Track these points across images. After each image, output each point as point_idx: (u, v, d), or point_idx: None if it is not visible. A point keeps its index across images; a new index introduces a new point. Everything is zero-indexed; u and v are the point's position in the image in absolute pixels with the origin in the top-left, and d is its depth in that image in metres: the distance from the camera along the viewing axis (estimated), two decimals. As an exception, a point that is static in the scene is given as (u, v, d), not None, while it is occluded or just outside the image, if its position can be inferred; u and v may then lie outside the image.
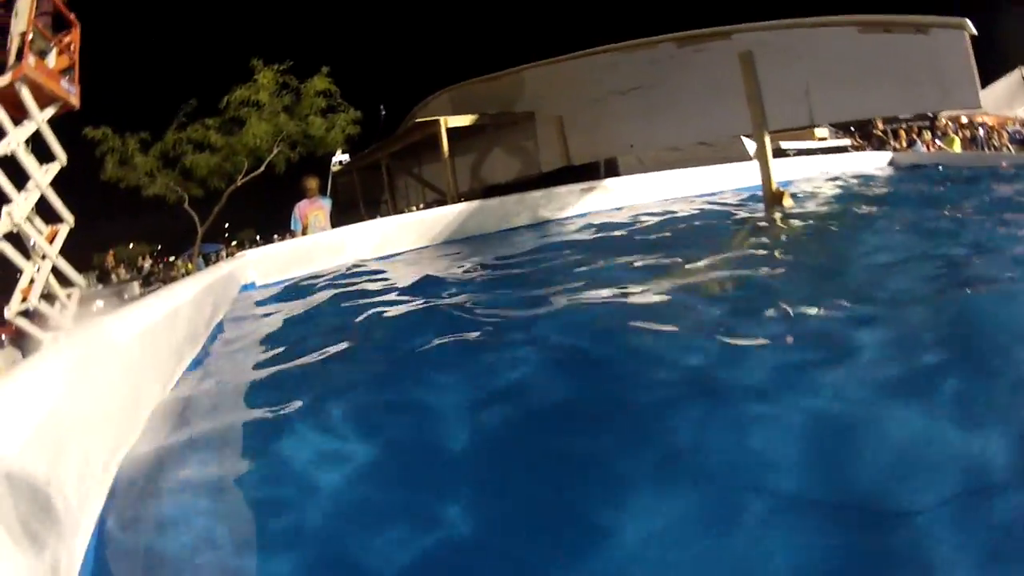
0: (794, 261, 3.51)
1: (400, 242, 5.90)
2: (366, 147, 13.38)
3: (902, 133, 16.66)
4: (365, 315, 2.92)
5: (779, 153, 8.76)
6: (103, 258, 39.76)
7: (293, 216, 8.23)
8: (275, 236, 61.35)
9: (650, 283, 3.02)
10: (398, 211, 11.71)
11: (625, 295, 2.80)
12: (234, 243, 49.41)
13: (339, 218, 12.36)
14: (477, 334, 2.32)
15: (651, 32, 6.57)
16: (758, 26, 5.86)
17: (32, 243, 8.52)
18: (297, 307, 3.70)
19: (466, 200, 7.98)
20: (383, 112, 13.91)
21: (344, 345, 2.41)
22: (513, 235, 5.93)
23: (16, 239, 8.36)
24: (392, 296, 3.62)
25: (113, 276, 29.71)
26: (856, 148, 15.66)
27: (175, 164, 12.49)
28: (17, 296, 8.27)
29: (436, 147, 9.29)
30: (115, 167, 11.93)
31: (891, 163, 8.63)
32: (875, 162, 8.68)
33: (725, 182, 7.28)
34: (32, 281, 8.58)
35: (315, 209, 8.14)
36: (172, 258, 51.17)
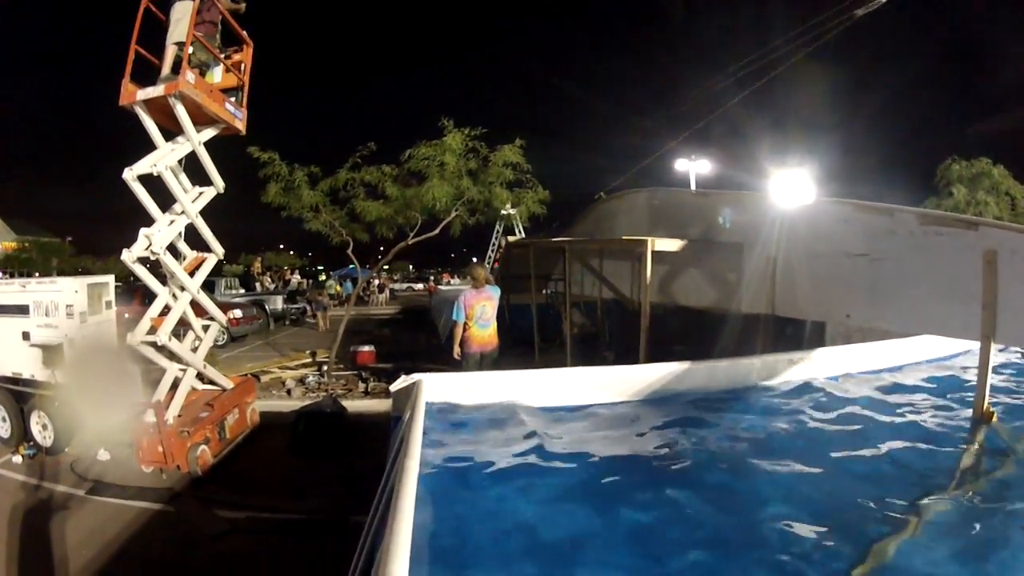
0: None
1: (596, 395, 5.18)
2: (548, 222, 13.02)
3: None
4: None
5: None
6: (251, 260, 41.18)
7: (456, 305, 8.01)
8: (430, 274, 63.78)
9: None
10: (571, 296, 11.13)
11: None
12: (386, 270, 50.56)
13: (508, 284, 11.37)
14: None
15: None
16: (1011, 226, 5.15)
17: (171, 273, 7.83)
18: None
19: (652, 312, 7.88)
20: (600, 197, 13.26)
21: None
22: (715, 401, 5.30)
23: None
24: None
25: (257, 284, 30.28)
26: None
27: (344, 204, 11.87)
28: (146, 323, 7.58)
29: (627, 253, 8.72)
30: (278, 194, 11.39)
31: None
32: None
33: (912, 354, 6.69)
34: (166, 310, 7.91)
35: (482, 299, 7.97)
36: (323, 274, 52.79)
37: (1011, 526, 3.11)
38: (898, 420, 4.95)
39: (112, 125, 7.56)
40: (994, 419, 4.81)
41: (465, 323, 7.88)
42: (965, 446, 4.51)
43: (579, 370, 5.32)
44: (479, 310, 7.85)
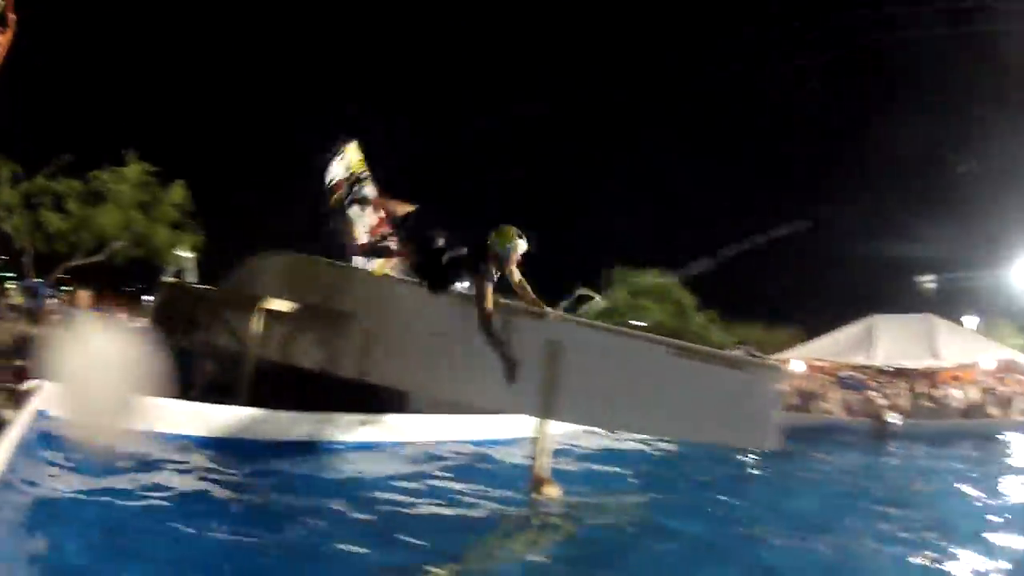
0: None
1: (191, 426, 6.11)
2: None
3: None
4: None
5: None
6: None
7: None
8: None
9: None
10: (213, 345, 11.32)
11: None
12: (65, 290, 45.88)
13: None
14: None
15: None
16: (576, 320, 6.50)
17: None
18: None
19: (270, 365, 8.23)
20: None
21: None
22: (285, 449, 6.33)
23: None
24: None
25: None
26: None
27: (35, 209, 12.22)
28: None
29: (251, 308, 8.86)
30: (-18, 184, 11.06)
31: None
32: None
33: (494, 431, 7.95)
34: None
35: None
36: (10, 281, 47.26)
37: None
38: (450, 485, 5.74)
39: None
40: (548, 486, 5.50)
41: None
42: (518, 510, 5.28)
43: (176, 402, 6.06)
44: None
